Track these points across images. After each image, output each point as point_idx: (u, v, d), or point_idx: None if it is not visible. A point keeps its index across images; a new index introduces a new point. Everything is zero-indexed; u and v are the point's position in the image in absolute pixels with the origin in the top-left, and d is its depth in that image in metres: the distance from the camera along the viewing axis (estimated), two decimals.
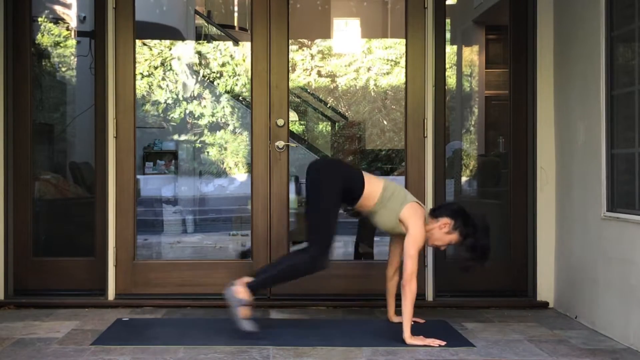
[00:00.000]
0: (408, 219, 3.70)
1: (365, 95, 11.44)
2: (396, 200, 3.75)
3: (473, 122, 6.72)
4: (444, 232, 3.73)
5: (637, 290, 3.50)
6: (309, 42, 11.60)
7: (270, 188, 4.57)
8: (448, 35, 6.03)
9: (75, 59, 6.50)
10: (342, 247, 5.62)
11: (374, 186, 3.78)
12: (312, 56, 11.72)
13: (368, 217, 3.87)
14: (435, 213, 3.80)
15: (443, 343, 3.54)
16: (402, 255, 3.78)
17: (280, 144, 4.57)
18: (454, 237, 3.73)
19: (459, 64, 6.77)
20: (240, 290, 3.64)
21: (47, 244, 4.88)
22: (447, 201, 3.89)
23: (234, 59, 11.14)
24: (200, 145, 10.51)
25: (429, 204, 4.54)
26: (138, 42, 6.82)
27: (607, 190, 3.86)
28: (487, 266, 3.77)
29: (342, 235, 6.24)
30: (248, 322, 3.64)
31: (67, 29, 6.51)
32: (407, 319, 3.58)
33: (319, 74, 11.65)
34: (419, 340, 3.54)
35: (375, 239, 5.13)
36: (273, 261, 3.80)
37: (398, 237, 3.89)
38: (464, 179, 6.21)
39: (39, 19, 6.01)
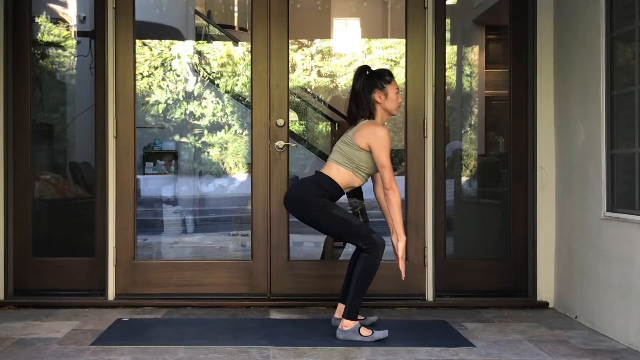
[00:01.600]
0: (363, 138, 3.68)
1: None
2: (351, 152, 3.72)
3: (473, 122, 6.71)
4: (385, 101, 3.76)
5: (637, 290, 3.50)
6: (309, 42, 11.60)
7: (270, 188, 4.57)
8: (448, 35, 6.02)
9: (75, 59, 6.50)
10: (342, 247, 5.62)
11: (334, 169, 3.75)
12: (312, 56, 11.72)
13: (364, 180, 3.82)
14: (362, 111, 3.78)
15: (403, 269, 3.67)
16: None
17: (280, 144, 4.57)
18: (390, 94, 3.77)
19: (459, 64, 6.77)
20: (348, 324, 3.62)
21: (47, 243, 4.88)
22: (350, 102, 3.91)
23: (234, 59, 11.13)
24: (200, 145, 10.51)
25: (429, 204, 4.55)
26: (138, 42, 6.82)
27: (607, 190, 3.86)
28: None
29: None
30: (379, 332, 3.63)
31: (67, 29, 6.51)
32: (398, 223, 3.66)
33: (319, 74, 11.65)
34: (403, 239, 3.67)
35: None
36: (346, 283, 3.80)
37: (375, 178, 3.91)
38: (464, 179, 6.21)
39: (39, 19, 6.01)
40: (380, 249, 3.62)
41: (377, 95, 3.77)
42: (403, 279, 3.76)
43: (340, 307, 3.84)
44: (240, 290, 4.57)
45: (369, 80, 3.79)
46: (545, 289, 4.57)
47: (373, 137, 3.67)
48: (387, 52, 11.52)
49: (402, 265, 3.69)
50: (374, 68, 3.89)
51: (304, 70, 11.59)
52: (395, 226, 3.69)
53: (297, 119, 10.62)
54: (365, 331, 3.61)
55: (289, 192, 3.89)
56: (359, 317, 3.73)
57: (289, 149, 4.61)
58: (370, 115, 3.78)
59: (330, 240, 5.41)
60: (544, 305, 4.55)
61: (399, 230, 3.68)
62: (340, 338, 3.61)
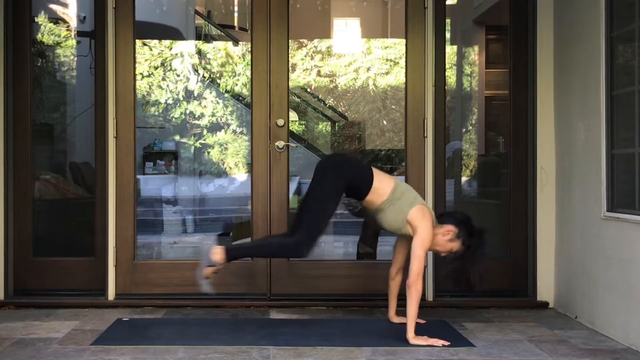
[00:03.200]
0: (417, 220, 3.69)
1: (365, 95, 11.44)
2: (406, 200, 3.74)
3: (473, 122, 6.72)
4: (446, 239, 3.73)
5: (637, 290, 3.50)
6: (309, 42, 11.60)
7: (270, 188, 4.57)
8: (448, 35, 6.03)
9: (75, 59, 6.50)
10: (342, 247, 5.62)
11: (383, 183, 3.77)
12: (312, 56, 11.71)
13: (374, 215, 3.85)
14: (440, 219, 3.81)
15: (447, 343, 3.54)
16: (406, 255, 3.80)
17: (280, 144, 4.57)
18: (455, 245, 3.74)
19: (459, 64, 6.77)
20: (217, 252, 3.71)
21: (47, 243, 4.88)
22: (454, 210, 3.89)
23: (234, 59, 11.13)
24: (200, 145, 10.51)
25: (429, 204, 4.54)
26: (138, 42, 6.82)
27: (607, 190, 3.86)
28: (481, 279, 3.71)
29: (342, 235, 6.26)
30: (207, 283, 3.73)
31: (67, 29, 6.51)
32: (411, 319, 3.59)
33: (319, 74, 11.64)
34: (422, 340, 3.54)
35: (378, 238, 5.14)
36: (256, 239, 3.87)
37: (405, 238, 3.88)
38: (464, 179, 6.21)
39: (39, 19, 6.01)
40: (295, 254, 3.76)
41: (448, 231, 3.73)
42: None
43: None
44: (240, 290, 4.57)
45: (466, 224, 3.74)
46: (545, 289, 4.57)
47: (423, 228, 3.67)
48: (387, 52, 11.52)
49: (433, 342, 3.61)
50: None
51: (304, 70, 11.58)
52: (407, 324, 3.59)
53: (297, 119, 10.62)
54: (208, 271, 3.72)
55: (343, 155, 3.91)
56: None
57: (289, 149, 4.61)
58: (437, 225, 3.76)
59: (368, 239, 5.36)
60: (544, 305, 4.55)
61: (409, 331, 3.57)
62: (202, 253, 3.78)
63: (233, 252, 3.78)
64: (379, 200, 3.76)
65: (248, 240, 3.90)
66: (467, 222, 3.76)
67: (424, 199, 4.53)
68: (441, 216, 3.85)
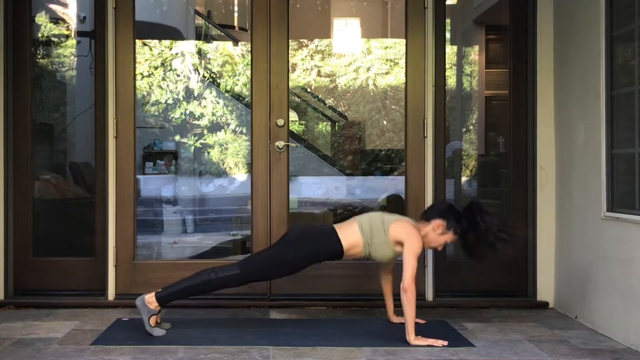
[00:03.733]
0: (399, 235, 3.69)
1: (365, 95, 11.44)
2: (378, 231, 3.73)
3: (473, 122, 6.72)
4: (438, 233, 3.74)
5: (637, 290, 3.50)
6: (309, 42, 11.60)
7: (270, 188, 4.57)
8: (448, 35, 6.03)
9: (75, 59, 6.50)
10: None
11: (350, 234, 3.74)
12: (312, 56, 11.71)
13: (366, 258, 3.83)
14: (426, 216, 3.82)
15: (445, 343, 3.54)
16: (393, 258, 3.84)
17: (280, 144, 4.57)
18: (449, 236, 3.75)
19: (459, 64, 6.77)
20: (151, 301, 3.70)
21: (47, 243, 4.88)
22: (435, 202, 3.90)
23: (234, 59, 11.13)
24: (200, 146, 10.51)
25: (429, 204, 4.54)
26: (138, 42, 6.82)
27: (607, 190, 3.86)
28: (507, 242, 3.72)
29: None
30: (158, 330, 3.71)
31: (67, 29, 6.51)
32: (409, 322, 3.59)
33: (319, 74, 11.65)
34: (422, 341, 3.55)
35: None
36: (187, 276, 3.82)
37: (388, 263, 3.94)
38: (464, 179, 6.21)
39: (39, 19, 6.00)
40: (231, 284, 3.75)
41: (438, 225, 3.74)
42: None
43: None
44: (240, 290, 4.54)
45: (451, 214, 3.74)
46: (545, 289, 4.57)
47: (408, 238, 3.66)
48: (387, 52, 11.52)
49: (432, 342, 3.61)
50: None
51: (304, 70, 11.59)
52: (406, 325, 3.59)
53: (297, 119, 10.62)
54: (153, 320, 3.70)
55: (305, 227, 3.93)
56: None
57: (289, 149, 4.61)
58: (424, 222, 3.77)
59: None
60: (544, 305, 4.55)
61: (408, 331, 3.58)
62: (137, 304, 3.70)
63: (165, 298, 3.73)
64: (359, 249, 3.75)
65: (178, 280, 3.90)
66: (452, 210, 3.77)
67: (424, 199, 4.54)
68: (426, 212, 3.86)
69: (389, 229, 3.71)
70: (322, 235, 3.78)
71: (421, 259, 4.53)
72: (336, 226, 3.81)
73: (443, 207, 3.83)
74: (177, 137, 10.63)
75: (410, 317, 3.57)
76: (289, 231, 3.90)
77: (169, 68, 10.62)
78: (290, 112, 4.67)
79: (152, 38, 10.06)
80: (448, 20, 5.92)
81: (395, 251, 3.73)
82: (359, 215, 3.86)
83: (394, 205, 6.28)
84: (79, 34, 6.43)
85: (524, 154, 4.66)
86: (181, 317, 4.21)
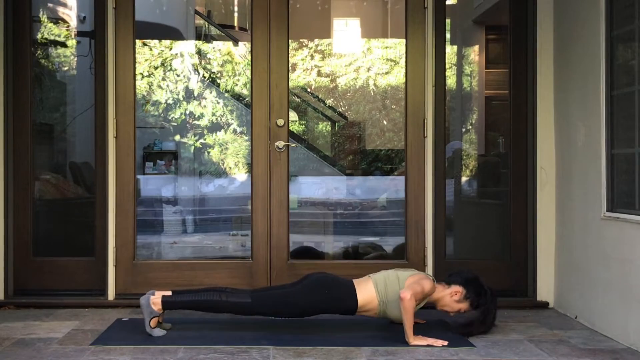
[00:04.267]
0: (413, 286, 3.65)
1: (365, 95, 11.44)
2: (393, 288, 3.72)
3: (473, 122, 6.71)
4: (454, 299, 3.75)
5: (637, 290, 3.50)
6: (309, 42, 11.60)
7: (270, 188, 4.57)
8: (448, 35, 6.02)
9: (75, 59, 6.49)
10: (343, 247, 5.62)
11: (365, 291, 3.73)
12: (312, 56, 11.71)
13: (382, 317, 3.81)
14: (448, 279, 3.82)
15: (445, 343, 3.54)
16: None
17: (280, 144, 4.56)
18: (463, 305, 3.76)
19: (459, 64, 6.77)
20: (156, 302, 3.70)
21: (47, 244, 4.88)
22: (461, 269, 3.90)
23: (234, 59, 11.13)
24: (200, 146, 10.51)
25: (429, 204, 4.55)
26: (138, 42, 6.81)
27: (607, 190, 3.86)
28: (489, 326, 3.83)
29: (342, 235, 6.25)
30: (157, 331, 3.71)
31: (67, 29, 6.51)
32: (408, 327, 3.59)
33: (319, 74, 11.64)
34: (422, 340, 3.55)
35: (376, 238, 5.14)
36: (198, 289, 3.88)
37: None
38: (464, 179, 6.20)
39: (39, 19, 6.00)
40: (240, 312, 3.77)
41: (456, 293, 3.75)
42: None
43: None
44: None
45: (472, 285, 3.75)
46: (545, 289, 4.57)
47: (422, 281, 3.67)
48: (387, 52, 11.52)
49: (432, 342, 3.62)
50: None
51: (304, 70, 11.58)
52: (405, 329, 3.59)
53: (297, 119, 10.61)
54: (154, 322, 3.70)
55: (325, 276, 3.86)
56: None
57: (289, 149, 4.61)
58: (444, 285, 3.79)
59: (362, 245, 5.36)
60: (544, 305, 4.55)
61: (407, 333, 3.57)
62: (142, 303, 3.70)
63: (171, 304, 3.74)
64: (373, 306, 3.74)
65: (190, 288, 3.89)
66: (475, 282, 3.77)
67: (424, 199, 4.54)
68: (450, 276, 3.85)
69: (405, 282, 3.70)
70: (340, 288, 3.76)
71: (421, 258, 4.53)
72: (355, 281, 3.79)
73: (467, 276, 3.81)
74: (177, 137, 10.63)
75: (408, 322, 3.58)
76: (308, 275, 3.86)
77: (169, 68, 10.62)
78: (290, 112, 4.67)
79: (152, 38, 10.05)
80: (448, 20, 5.90)
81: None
82: (374, 274, 3.84)
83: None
84: (79, 34, 6.43)
85: (524, 154, 4.66)
86: (181, 317, 4.20)
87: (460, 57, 6.83)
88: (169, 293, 3.77)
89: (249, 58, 4.72)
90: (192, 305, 3.77)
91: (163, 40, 10.42)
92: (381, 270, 3.87)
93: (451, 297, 3.74)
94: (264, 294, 3.82)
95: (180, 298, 3.74)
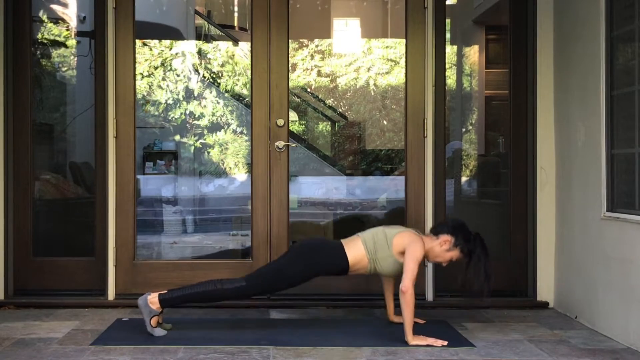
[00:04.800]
0: (402, 244, 3.69)
1: (365, 95, 11.44)
2: (382, 246, 3.74)
3: (473, 122, 6.72)
4: (444, 249, 3.74)
5: (637, 290, 3.50)
6: (309, 42, 11.60)
7: (270, 188, 4.57)
8: (448, 35, 6.02)
9: (75, 59, 6.49)
10: None
11: (355, 250, 3.75)
12: (312, 56, 11.71)
13: (373, 273, 3.83)
14: (435, 230, 3.83)
15: (445, 343, 3.54)
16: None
17: (280, 144, 4.56)
18: (454, 253, 3.75)
19: (459, 64, 6.77)
20: (153, 301, 3.71)
21: (47, 244, 4.88)
22: (447, 217, 3.89)
23: (234, 59, 11.13)
24: (200, 146, 10.51)
25: (429, 204, 4.55)
26: (138, 42, 6.82)
27: (607, 190, 3.86)
28: (489, 280, 3.72)
29: (341, 235, 6.24)
30: (159, 330, 3.71)
31: (67, 29, 6.51)
32: (408, 324, 3.59)
33: (319, 74, 11.65)
34: (421, 340, 3.55)
35: None
36: (193, 283, 3.85)
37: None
38: (464, 179, 6.21)
39: (39, 19, 6.00)
40: (236, 297, 3.76)
41: (445, 242, 3.74)
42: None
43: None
44: None
45: (459, 231, 3.74)
46: (545, 289, 4.57)
47: (411, 246, 3.67)
48: (387, 52, 11.52)
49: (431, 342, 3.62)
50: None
51: (304, 70, 11.59)
52: (404, 327, 3.59)
53: (297, 119, 10.61)
54: (154, 321, 3.70)
55: (313, 240, 3.89)
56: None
57: (289, 149, 4.61)
58: (433, 237, 3.78)
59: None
60: (544, 305, 4.55)
61: (407, 332, 3.58)
62: (139, 303, 3.71)
63: (168, 301, 3.74)
64: (363, 265, 3.76)
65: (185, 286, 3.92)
66: (462, 228, 3.76)
67: (424, 199, 4.54)
68: (435, 227, 3.87)
69: (392, 242, 3.72)
70: (330, 249, 3.79)
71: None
72: (343, 241, 3.81)
73: (453, 223, 3.81)
74: (177, 137, 10.63)
75: (408, 318, 3.57)
76: (296, 244, 3.89)
77: (169, 68, 10.62)
78: (290, 112, 4.67)
79: (152, 38, 10.05)
80: (448, 20, 5.91)
81: (401, 263, 3.71)
82: (362, 232, 3.86)
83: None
84: (79, 34, 6.43)
85: (524, 154, 4.66)
86: (181, 317, 4.21)
87: (460, 57, 6.83)
88: (165, 292, 3.77)
89: (249, 58, 4.72)
90: (189, 298, 3.76)
91: (163, 40, 10.42)
92: (368, 229, 3.87)
93: (441, 246, 3.73)
94: (257, 273, 3.82)
95: (177, 293, 3.74)
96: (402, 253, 3.69)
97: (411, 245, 3.67)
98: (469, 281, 3.71)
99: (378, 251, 3.73)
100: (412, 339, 3.55)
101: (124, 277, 4.55)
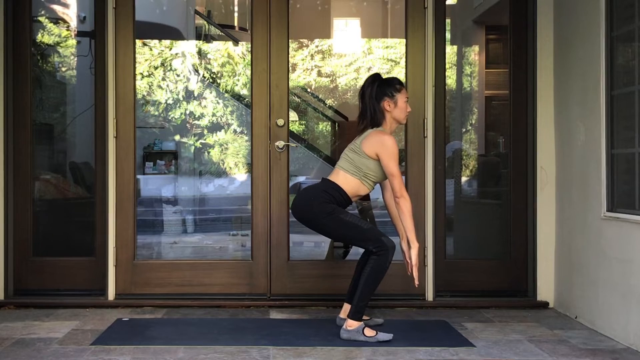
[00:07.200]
0: (372, 148, 3.69)
1: None
2: (358, 159, 3.74)
3: (473, 122, 6.71)
4: (393, 109, 3.78)
5: (637, 290, 3.50)
6: (309, 42, 11.60)
7: (270, 188, 4.57)
8: (448, 35, 6.02)
9: (75, 59, 6.49)
10: (342, 246, 5.62)
11: (344, 180, 3.75)
12: (312, 56, 11.72)
13: (371, 188, 3.84)
14: (372, 121, 3.79)
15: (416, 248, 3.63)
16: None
17: (280, 144, 4.57)
18: (399, 101, 3.79)
19: (459, 64, 6.77)
20: (350, 324, 3.63)
21: (47, 243, 4.88)
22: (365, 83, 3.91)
23: (234, 59, 11.13)
24: (200, 146, 10.51)
25: (429, 204, 4.55)
26: (138, 42, 6.81)
27: (607, 190, 3.86)
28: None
29: None
30: (383, 334, 3.63)
31: (67, 29, 6.51)
32: (410, 231, 3.63)
33: (319, 74, 11.65)
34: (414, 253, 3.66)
35: None
36: (353, 286, 3.77)
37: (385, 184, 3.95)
38: (464, 179, 6.20)
39: (39, 19, 6.00)
40: (390, 252, 3.61)
41: (386, 104, 3.78)
42: (416, 285, 3.77)
43: (346, 307, 3.84)
44: (240, 290, 4.57)
45: (379, 88, 3.79)
46: (545, 289, 4.57)
47: (381, 146, 3.68)
48: (387, 52, 11.51)
49: (415, 272, 3.68)
50: (374, 69, 3.90)
51: (304, 70, 11.59)
52: (407, 233, 3.66)
53: (297, 119, 10.61)
54: (369, 332, 3.62)
55: (296, 201, 3.84)
56: (364, 317, 3.74)
57: (289, 149, 4.61)
58: (378, 124, 3.78)
59: (330, 242, 5.40)
60: (544, 305, 4.55)
61: (411, 238, 3.65)
62: (344, 337, 3.61)
63: (357, 310, 3.65)
64: (361, 188, 3.77)
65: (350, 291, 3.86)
66: (381, 81, 3.81)
67: (424, 199, 4.55)
68: (365, 111, 3.83)
69: (362, 150, 3.72)
70: (332, 192, 3.73)
71: (421, 258, 4.53)
72: (331, 178, 3.78)
73: (370, 90, 3.80)
74: (177, 137, 10.63)
75: (410, 226, 3.62)
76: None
77: (169, 68, 10.62)
78: (290, 112, 4.67)
79: (152, 38, 10.05)
80: (448, 20, 5.90)
81: (380, 165, 3.72)
82: (337, 163, 3.84)
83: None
84: (79, 34, 6.42)
85: (524, 154, 4.66)
86: (181, 317, 4.21)
87: (460, 57, 6.82)
88: (366, 317, 3.82)
89: (249, 58, 4.72)
90: (365, 292, 3.64)
91: (163, 40, 10.42)
92: (341, 157, 3.85)
93: (391, 112, 3.77)
94: (360, 243, 3.76)
95: (355, 301, 3.65)
96: (375, 155, 3.70)
97: (381, 146, 3.67)
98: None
99: (360, 166, 3.73)
100: (417, 245, 3.64)
101: (124, 277, 4.55)
